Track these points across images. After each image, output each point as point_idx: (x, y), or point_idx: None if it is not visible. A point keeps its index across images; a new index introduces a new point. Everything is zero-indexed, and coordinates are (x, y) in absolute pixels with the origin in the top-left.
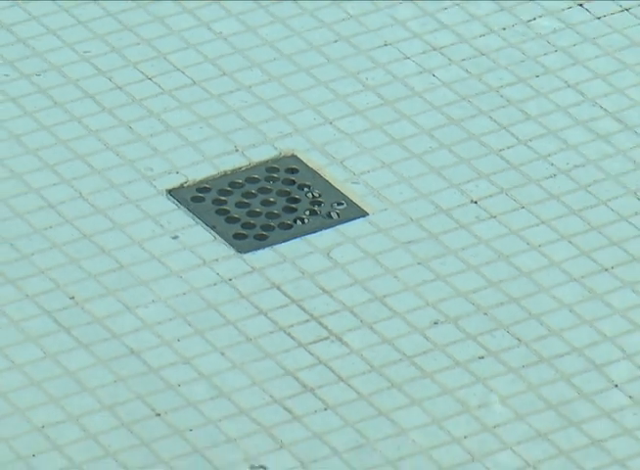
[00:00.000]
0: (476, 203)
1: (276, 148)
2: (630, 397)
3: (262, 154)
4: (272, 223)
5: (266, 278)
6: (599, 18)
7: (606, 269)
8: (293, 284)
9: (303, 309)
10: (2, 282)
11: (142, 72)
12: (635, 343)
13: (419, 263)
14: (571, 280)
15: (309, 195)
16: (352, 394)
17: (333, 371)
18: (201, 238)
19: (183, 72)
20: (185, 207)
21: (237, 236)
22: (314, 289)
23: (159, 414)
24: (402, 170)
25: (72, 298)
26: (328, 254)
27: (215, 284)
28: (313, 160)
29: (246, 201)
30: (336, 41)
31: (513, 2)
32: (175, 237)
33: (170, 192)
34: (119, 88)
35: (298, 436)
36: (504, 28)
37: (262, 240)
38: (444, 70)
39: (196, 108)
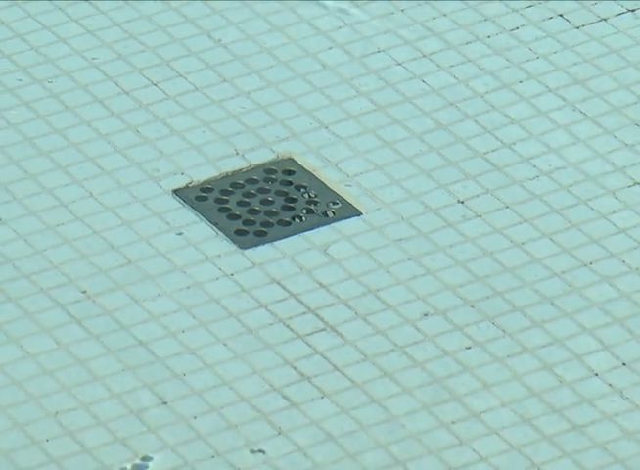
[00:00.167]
0: (462, 203)
1: (274, 151)
2: (609, 384)
3: (261, 156)
4: (271, 221)
5: (266, 273)
6: (578, 27)
7: (585, 265)
8: (291, 279)
9: (301, 303)
10: (17, 276)
11: (147, 78)
12: (613, 334)
13: (409, 259)
14: (553, 275)
15: (306, 195)
16: (347, 382)
17: (329, 361)
18: (204, 235)
19: (186, 79)
20: (189, 205)
21: (238, 233)
22: (311, 283)
23: (165, 402)
24: (394, 172)
25: (84, 291)
26: (324, 250)
27: (218, 278)
28: (309, 162)
29: (246, 200)
30: (330, 49)
31: (497, 12)
32: (180, 234)
33: (175, 192)
34: (126, 93)
35: (296, 422)
36: (489, 37)
37: (262, 237)
38: (433, 76)
39: (198, 113)
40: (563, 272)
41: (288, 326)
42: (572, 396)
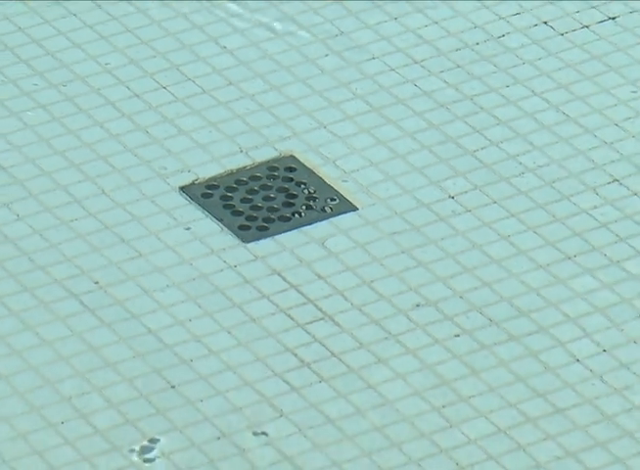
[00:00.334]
0: (453, 198)
1: (276, 149)
2: (590, 370)
3: (264, 154)
4: (273, 216)
5: (268, 265)
6: (562, 34)
7: (568, 257)
8: (291, 271)
9: (301, 293)
10: (33, 268)
11: (157, 82)
12: (594, 323)
13: (402, 252)
14: (538, 267)
15: (306, 191)
16: (344, 368)
17: (326, 348)
18: (209, 229)
19: (194, 82)
20: (195, 202)
21: (241, 228)
22: (310, 275)
23: (173, 386)
24: (388, 169)
25: (96, 282)
26: (322, 244)
27: (222, 270)
28: (309, 160)
29: (249, 196)
30: (327, 55)
31: (485, 20)
32: (187, 229)
33: (182, 189)
34: (137, 96)
35: (296, 406)
36: (477, 43)
37: (264, 231)
38: (425, 80)
39: (205, 114)
40: (547, 264)
41: (288, 315)
42: (556, 381)
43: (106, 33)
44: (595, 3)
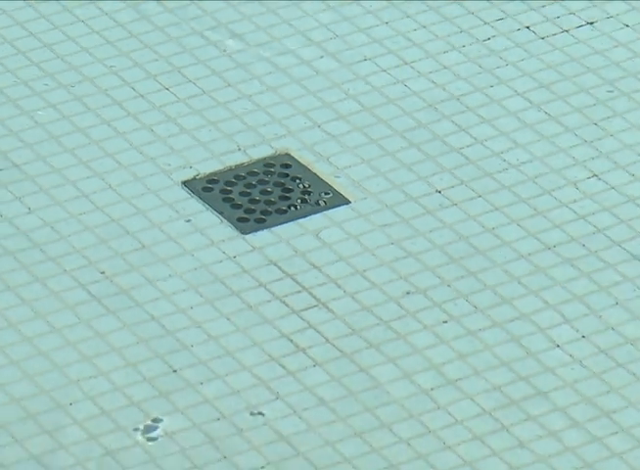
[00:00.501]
0: (440, 192)
1: (272, 147)
2: (570, 355)
3: (261, 152)
4: (270, 209)
5: (265, 256)
6: (543, 38)
7: (549, 248)
8: (287, 261)
9: (296, 282)
10: (44, 259)
11: (160, 83)
12: (573, 310)
13: (392, 243)
14: (520, 257)
15: (301, 186)
16: (337, 352)
17: (321, 334)
18: (210, 222)
19: (194, 84)
20: (197, 196)
21: (240, 220)
22: (305, 265)
23: (175, 370)
24: (379, 166)
25: (103, 272)
26: (317, 235)
27: (222, 261)
28: (304, 157)
29: (247, 191)
30: (322, 57)
31: (471, 24)
32: (188, 221)
33: (184, 183)
34: (141, 97)
35: (292, 388)
36: (464, 46)
37: (262, 223)
38: (414, 81)
39: (205, 113)
40: (529, 254)
41: (284, 303)
42: (537, 365)
43: (112, 38)
44: (574, 9)
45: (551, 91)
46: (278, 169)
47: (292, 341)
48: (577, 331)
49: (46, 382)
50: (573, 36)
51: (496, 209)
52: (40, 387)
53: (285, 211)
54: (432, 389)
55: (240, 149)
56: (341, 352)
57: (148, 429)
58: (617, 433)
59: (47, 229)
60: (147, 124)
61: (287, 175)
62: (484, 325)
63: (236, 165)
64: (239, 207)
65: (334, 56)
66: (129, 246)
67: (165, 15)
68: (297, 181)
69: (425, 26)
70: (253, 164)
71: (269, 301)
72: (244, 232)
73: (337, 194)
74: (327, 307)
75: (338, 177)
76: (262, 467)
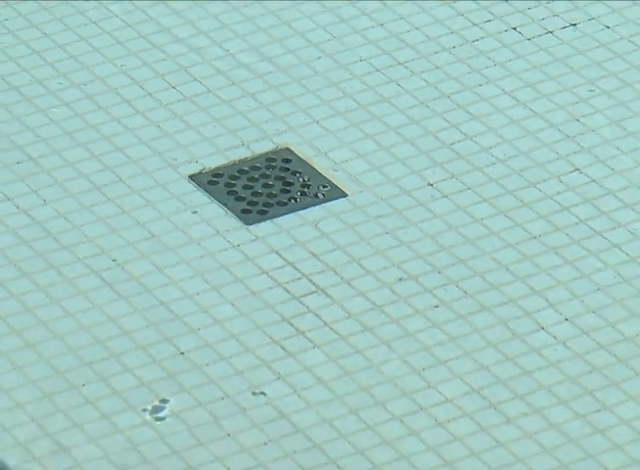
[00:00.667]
0: (432, 185)
1: (274, 142)
2: (554, 337)
3: (263, 147)
4: (271, 201)
5: (267, 245)
6: (529, 39)
7: (534, 237)
8: (288, 249)
9: (297, 269)
10: (58, 248)
11: (167, 82)
12: (558, 295)
13: (387, 233)
14: (507, 245)
15: (300, 179)
16: (334, 335)
17: (319, 318)
18: (215, 213)
19: (200, 82)
20: (202, 188)
21: (244, 211)
22: (305, 253)
23: (182, 352)
24: (374, 160)
25: (114, 260)
26: (316, 226)
27: (227, 249)
28: (304, 152)
29: (250, 184)
30: (320, 58)
31: (461, 26)
32: (195, 212)
33: (191, 177)
34: (150, 95)
35: (292, 369)
36: (454, 47)
37: (264, 215)
38: (407, 80)
39: (210, 110)
40: (515, 243)
41: (285, 289)
42: (523, 346)
43: (122, 39)
44: (558, 11)
45: (536, 90)
46: (279, 164)
47: (292, 324)
48: (561, 314)
49: (61, 364)
50: (557, 37)
51: (484, 200)
52: (55, 368)
53: (286, 204)
54: (423, 369)
55: (243, 144)
56: (338, 334)
57: (156, 409)
58: (599, 411)
59: (61, 220)
60: (155, 121)
61: (287, 169)
62: (473, 309)
63: (239, 160)
64: (242, 199)
65: (331, 56)
66: (139, 235)
67: (173, 16)
68: (298, 175)
69: (417, 28)
70: (256, 158)
71: (271, 287)
72: (247, 223)
73: (334, 187)
74: (325, 293)
75: (335, 171)
76: (264, 443)
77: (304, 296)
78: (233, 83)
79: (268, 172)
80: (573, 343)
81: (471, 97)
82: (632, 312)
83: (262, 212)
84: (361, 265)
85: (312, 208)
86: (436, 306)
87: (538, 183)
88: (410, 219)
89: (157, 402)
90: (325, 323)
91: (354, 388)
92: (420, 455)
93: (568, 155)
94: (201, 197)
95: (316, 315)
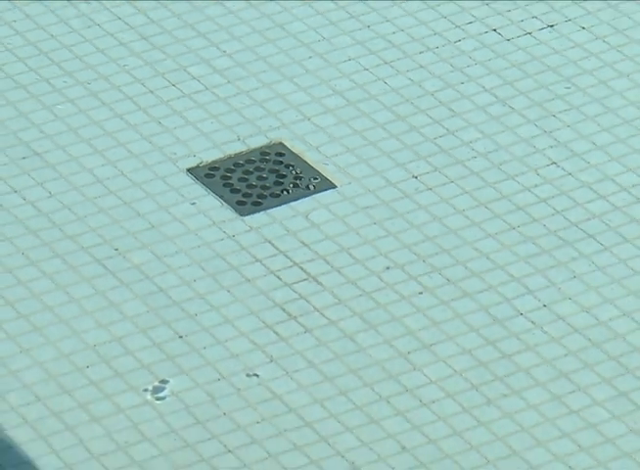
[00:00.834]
0: (416, 178)
1: (268, 137)
2: (532, 322)
3: (258, 142)
4: (265, 193)
5: (261, 235)
6: (508, 39)
7: (513, 228)
8: (280, 239)
9: (289, 258)
10: (63, 237)
11: (168, 81)
12: (535, 282)
13: (374, 223)
14: (487, 236)
15: (293, 172)
16: (325, 320)
17: (310, 304)
18: (212, 205)
19: (198, 81)
20: (200, 181)
21: (239, 203)
22: (297, 243)
23: (180, 336)
24: (362, 154)
25: (116, 249)
26: (307, 216)
27: (222, 239)
28: (296, 146)
29: (245, 177)
30: (310, 58)
31: (444, 28)
32: (193, 204)
33: (189, 170)
34: (151, 92)
35: (284, 352)
36: (437, 47)
37: (258, 206)
38: (393, 78)
39: (208, 107)
40: (495, 233)
41: (278, 276)
42: (503, 331)
43: (125, 40)
44: (536, 13)
45: (515, 87)
46: (273, 158)
47: (284, 310)
48: (539, 301)
49: (65, 347)
50: (535, 38)
51: (466, 192)
52: (60, 351)
53: (279, 195)
54: (409, 352)
55: (239, 139)
56: (328, 319)
57: (156, 389)
58: (574, 392)
59: (66, 211)
60: (155, 117)
61: (281, 163)
62: (456, 296)
63: (235, 154)
64: (238, 191)
65: (321, 56)
66: (140, 226)
67: (173, 19)
68: (290, 168)
69: (403, 30)
70: (251, 152)
71: (264, 275)
72: (242, 214)
73: (325, 179)
74: (316, 281)
75: (326, 164)
76: (258, 422)
77: (296, 283)
78: (229, 82)
79: (262, 166)
80: (550, 328)
81: (453, 94)
82: (605, 299)
83: (256, 204)
84: (350, 254)
85: (304, 199)
86: (421, 293)
87: (517, 176)
88: (396, 210)
89: (157, 383)
90: (315, 309)
91: (343, 370)
92: (405, 434)
93: (544, 149)
94: (198, 189)
95: (307, 301)
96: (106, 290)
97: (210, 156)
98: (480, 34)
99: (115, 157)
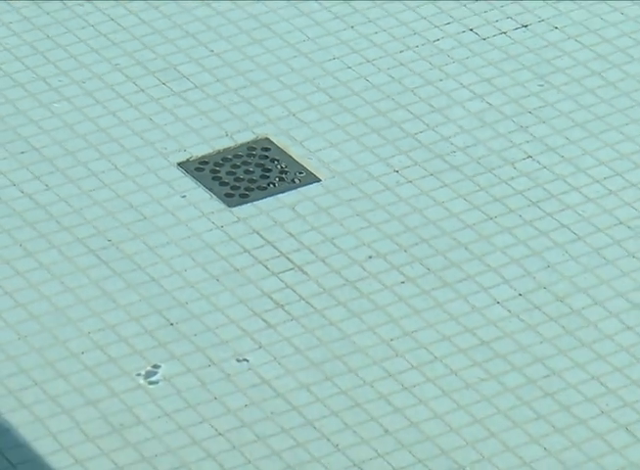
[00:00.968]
0: (397, 172)
1: (254, 133)
2: (508, 310)
3: (245, 137)
4: (252, 186)
5: (248, 226)
6: (484, 39)
7: (490, 218)
8: (267, 230)
9: (275, 248)
10: (59, 229)
11: (158, 79)
12: (511, 272)
13: (357, 215)
14: (466, 226)
15: (278, 166)
16: (310, 309)
17: (296, 292)
18: (201, 197)
19: (188, 79)
20: (190, 175)
21: (227, 195)
22: (283, 233)
23: (172, 324)
24: (345, 149)
25: (110, 240)
26: (292, 208)
27: (212, 230)
28: (281, 141)
29: (233, 170)
30: (294, 57)
31: (423, 28)
32: (183, 196)
33: (179, 164)
34: (142, 91)
35: (272, 339)
36: (417, 46)
37: (245, 198)
38: (375, 76)
39: (197, 104)
40: (473, 224)
41: (265, 266)
42: (481, 318)
43: (117, 40)
44: (511, 14)
45: (491, 84)
46: (259, 152)
47: (272, 298)
48: (515, 290)
49: (61, 334)
50: (510, 37)
51: (445, 185)
52: (57, 338)
53: (265, 188)
54: (391, 339)
55: (227, 135)
56: (313, 308)
57: (149, 374)
58: (548, 376)
59: (62, 203)
60: (147, 114)
61: (267, 157)
62: (436, 285)
63: (223, 149)
64: (226, 184)
65: (306, 55)
66: (132, 217)
67: (163, 20)
68: (276, 162)
69: (384, 30)
70: (238, 147)
71: (252, 264)
72: (230, 206)
73: (309, 173)
74: (302, 270)
75: (310, 159)
76: (246, 406)
77: (283, 272)
78: (217, 80)
79: (249, 160)
80: (526, 316)
81: (432, 91)
82: (579, 288)
83: (244, 196)
84: (334, 244)
85: (289, 192)
86: (403, 282)
87: (494, 169)
88: (378, 202)
89: (149, 368)
90: (301, 297)
91: (329, 356)
92: (388, 417)
93: (521, 143)
94: (188, 182)
95: (293, 290)
96: (100, 279)
97: (200, 150)
98: (458, 34)
99: (109, 151)
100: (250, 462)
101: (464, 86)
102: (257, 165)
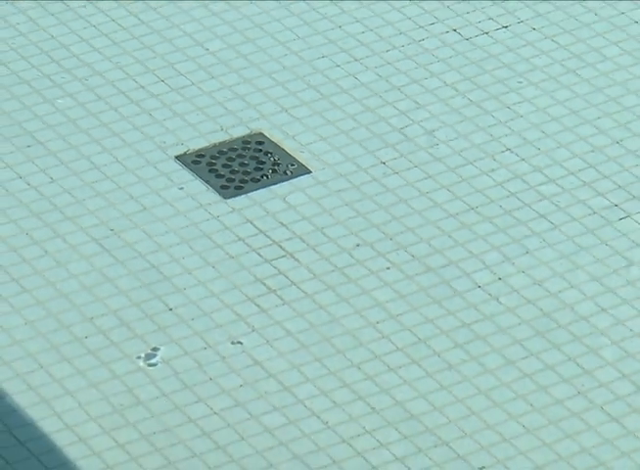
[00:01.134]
0: (384, 163)
1: (249, 127)
2: (489, 294)
3: (240, 131)
4: (247, 178)
5: (243, 216)
6: (467, 39)
7: (472, 208)
8: (261, 220)
9: (268, 237)
10: (63, 219)
11: (157, 76)
12: (492, 258)
13: (346, 205)
14: (449, 216)
15: (272, 159)
16: (301, 293)
17: (288, 278)
18: (198, 189)
19: (185, 76)
20: (187, 168)
21: (223, 187)
22: (275, 223)
23: (170, 309)
24: (335, 142)
25: (112, 229)
26: (284, 199)
27: (208, 220)
28: (275, 135)
29: (229, 163)
30: (286, 55)
31: (408, 28)
32: (181, 188)
33: (177, 157)
34: (142, 87)
35: (265, 323)
36: (403, 46)
37: (240, 190)
38: (363, 74)
39: (194, 101)
40: (456, 213)
41: (258, 254)
42: (462, 302)
43: (118, 40)
44: (492, 15)
45: (473, 82)
46: (253, 146)
47: (265, 284)
48: (495, 274)
49: (66, 319)
50: (492, 37)
51: (429, 176)
52: (61, 323)
53: (259, 180)
54: (377, 322)
55: (222, 129)
56: (304, 293)
57: (148, 357)
58: (527, 357)
59: (66, 195)
60: (146, 109)
61: (260, 150)
62: (420, 271)
63: (219, 143)
64: (222, 176)
65: (297, 54)
66: (133, 208)
67: (161, 20)
68: (269, 155)
69: (371, 29)
70: (233, 141)
71: (247, 252)
72: (226, 197)
73: (301, 165)
74: (293, 257)
75: (302, 152)
76: (241, 386)
77: (275, 259)
78: (213, 77)
79: (244, 153)
80: (505, 299)
81: (417, 88)
82: (556, 272)
83: (239, 188)
84: (324, 233)
85: (282, 183)
86: (388, 268)
87: (475, 161)
88: (365, 193)
89: (149, 351)
90: (293, 283)
91: (318, 338)
92: (374, 396)
93: (500, 137)
94: (186, 175)
95: (285, 276)
96: (102, 267)
97: (197, 144)
98: (442, 34)
99: (111, 145)
100: (243, 439)
101: (447, 84)
102: (252, 158)
